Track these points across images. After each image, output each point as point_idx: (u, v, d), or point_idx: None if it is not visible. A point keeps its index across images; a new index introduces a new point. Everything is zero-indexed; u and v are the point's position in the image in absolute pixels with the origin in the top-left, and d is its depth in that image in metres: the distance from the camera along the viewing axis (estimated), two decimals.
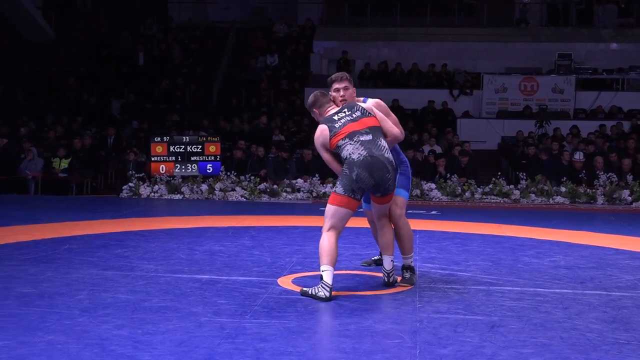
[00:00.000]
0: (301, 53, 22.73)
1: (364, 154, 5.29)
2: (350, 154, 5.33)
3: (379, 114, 5.60)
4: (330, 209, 5.35)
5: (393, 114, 5.82)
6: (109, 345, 3.96)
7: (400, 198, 5.77)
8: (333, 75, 5.77)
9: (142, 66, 21.73)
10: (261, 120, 17.44)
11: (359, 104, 5.57)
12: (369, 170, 5.25)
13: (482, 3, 23.39)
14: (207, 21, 25.49)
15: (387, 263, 5.59)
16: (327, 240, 5.24)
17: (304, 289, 5.26)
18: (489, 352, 3.98)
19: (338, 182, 5.36)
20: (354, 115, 5.45)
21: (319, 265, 6.17)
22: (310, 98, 5.77)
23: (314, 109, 5.70)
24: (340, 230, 5.36)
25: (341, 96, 5.67)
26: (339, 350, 4.01)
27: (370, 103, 5.69)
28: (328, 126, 5.44)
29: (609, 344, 4.18)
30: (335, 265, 5.22)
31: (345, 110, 5.50)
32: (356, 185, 5.27)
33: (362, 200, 5.58)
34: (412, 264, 5.83)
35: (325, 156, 5.55)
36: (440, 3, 23.52)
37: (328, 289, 5.12)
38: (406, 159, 5.99)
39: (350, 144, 5.35)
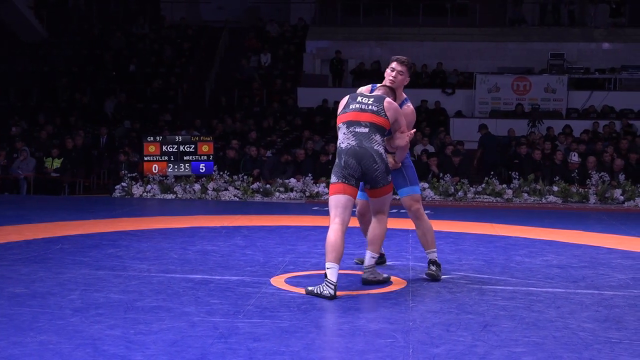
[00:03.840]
0: (294, 53, 22.73)
1: (353, 143, 5.43)
2: (340, 143, 5.52)
3: (401, 126, 5.65)
4: (330, 200, 5.45)
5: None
6: (101, 345, 3.95)
7: (416, 195, 5.91)
8: (398, 56, 5.92)
9: (134, 72, 21.68)
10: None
11: (384, 103, 5.56)
12: (356, 158, 5.39)
13: (474, 3, 23.41)
14: (200, 20, 25.46)
15: (368, 259, 5.59)
16: (333, 235, 5.28)
17: (309, 288, 5.26)
18: (481, 352, 3.99)
19: (332, 173, 5.49)
20: (366, 107, 5.53)
21: (311, 265, 6.17)
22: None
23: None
24: (346, 222, 5.39)
25: (392, 77, 5.79)
26: (332, 350, 4.01)
27: (404, 110, 5.75)
28: (347, 102, 5.63)
29: (601, 343, 4.19)
30: (340, 261, 5.24)
31: (369, 98, 5.58)
32: (346, 172, 5.39)
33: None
34: (437, 259, 5.91)
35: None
36: (433, 3, 23.55)
37: (332, 287, 5.13)
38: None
39: (344, 133, 5.52)
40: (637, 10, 22.82)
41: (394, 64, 5.85)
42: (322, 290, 5.14)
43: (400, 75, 5.82)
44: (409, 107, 5.89)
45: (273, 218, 9.96)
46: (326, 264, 5.21)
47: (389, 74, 5.83)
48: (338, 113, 5.68)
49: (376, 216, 5.65)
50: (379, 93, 5.73)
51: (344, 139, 5.48)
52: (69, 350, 3.85)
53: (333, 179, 5.47)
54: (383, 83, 5.86)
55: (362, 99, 5.58)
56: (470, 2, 23.58)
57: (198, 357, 3.80)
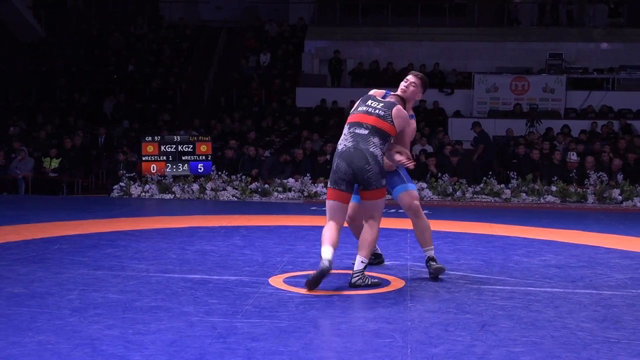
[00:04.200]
0: (292, 53, 22.73)
1: (349, 145, 5.50)
2: (338, 145, 5.61)
3: (405, 139, 5.74)
4: (326, 203, 5.61)
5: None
6: (100, 345, 3.95)
7: (413, 191, 5.95)
8: (416, 71, 6.10)
9: (132, 72, 21.67)
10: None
11: (394, 110, 5.62)
12: (347, 160, 5.45)
13: (473, 3, 23.42)
14: (199, 20, 25.46)
15: (357, 263, 5.56)
16: (327, 230, 5.45)
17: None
18: (480, 351, 3.99)
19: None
20: (373, 110, 5.61)
21: (310, 265, 6.18)
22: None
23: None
24: (340, 223, 5.51)
25: (404, 87, 5.88)
26: (330, 350, 4.01)
27: (411, 122, 5.80)
28: (358, 104, 5.73)
29: (599, 343, 4.19)
30: (332, 244, 5.35)
31: (379, 103, 5.66)
32: (336, 176, 5.48)
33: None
34: (434, 257, 5.94)
35: None
36: (431, 3, 23.56)
37: (327, 262, 5.26)
38: None
39: (345, 134, 5.61)
40: (636, 10, 22.84)
41: (409, 76, 5.94)
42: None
43: (413, 87, 5.87)
44: (413, 123, 5.91)
45: (271, 218, 9.96)
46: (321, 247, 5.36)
47: (402, 85, 5.91)
48: (352, 109, 5.80)
49: (368, 221, 5.64)
50: (391, 100, 5.76)
51: (342, 140, 5.56)
52: (67, 350, 3.85)
53: (328, 183, 5.60)
54: (396, 92, 5.90)
55: (371, 102, 5.65)
56: (469, 2, 23.58)
57: (197, 357, 3.80)
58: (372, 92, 5.92)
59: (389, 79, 20.86)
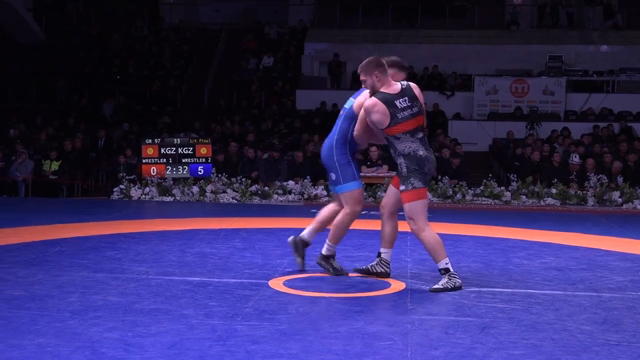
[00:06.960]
0: (292, 55, 22.73)
1: (426, 152, 5.63)
2: (415, 150, 5.57)
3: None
4: (418, 204, 5.59)
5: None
6: (99, 347, 3.95)
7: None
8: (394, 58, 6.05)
9: (133, 73, 21.68)
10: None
11: (419, 98, 5.70)
12: (432, 165, 5.67)
13: (472, 5, 23.44)
14: (198, 23, 25.49)
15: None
16: (432, 235, 5.62)
17: (434, 287, 5.53)
18: (480, 354, 3.98)
19: (414, 179, 5.54)
20: (413, 110, 5.61)
21: (310, 268, 6.17)
22: (376, 60, 5.83)
23: (377, 72, 5.72)
24: None
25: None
26: (330, 353, 4.00)
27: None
28: (390, 112, 5.53)
29: (599, 345, 4.19)
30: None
31: (406, 98, 5.62)
32: (428, 178, 5.67)
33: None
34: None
35: (360, 127, 5.79)
36: (431, 5, 23.57)
37: (457, 276, 5.59)
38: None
39: (412, 140, 5.58)
40: (635, 12, 22.86)
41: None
42: (453, 284, 5.50)
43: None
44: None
45: (271, 220, 9.96)
46: (442, 262, 5.54)
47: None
48: (387, 123, 5.52)
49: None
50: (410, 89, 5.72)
51: (418, 148, 5.58)
52: (67, 353, 3.85)
53: (419, 184, 5.55)
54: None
55: (400, 103, 5.55)
56: (469, 4, 23.60)
57: None
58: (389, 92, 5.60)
59: None
